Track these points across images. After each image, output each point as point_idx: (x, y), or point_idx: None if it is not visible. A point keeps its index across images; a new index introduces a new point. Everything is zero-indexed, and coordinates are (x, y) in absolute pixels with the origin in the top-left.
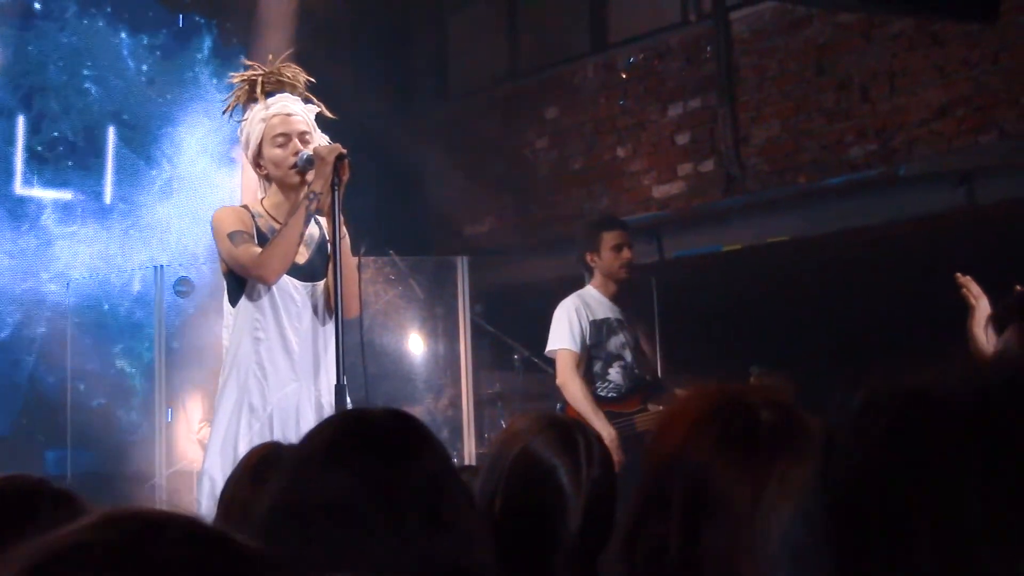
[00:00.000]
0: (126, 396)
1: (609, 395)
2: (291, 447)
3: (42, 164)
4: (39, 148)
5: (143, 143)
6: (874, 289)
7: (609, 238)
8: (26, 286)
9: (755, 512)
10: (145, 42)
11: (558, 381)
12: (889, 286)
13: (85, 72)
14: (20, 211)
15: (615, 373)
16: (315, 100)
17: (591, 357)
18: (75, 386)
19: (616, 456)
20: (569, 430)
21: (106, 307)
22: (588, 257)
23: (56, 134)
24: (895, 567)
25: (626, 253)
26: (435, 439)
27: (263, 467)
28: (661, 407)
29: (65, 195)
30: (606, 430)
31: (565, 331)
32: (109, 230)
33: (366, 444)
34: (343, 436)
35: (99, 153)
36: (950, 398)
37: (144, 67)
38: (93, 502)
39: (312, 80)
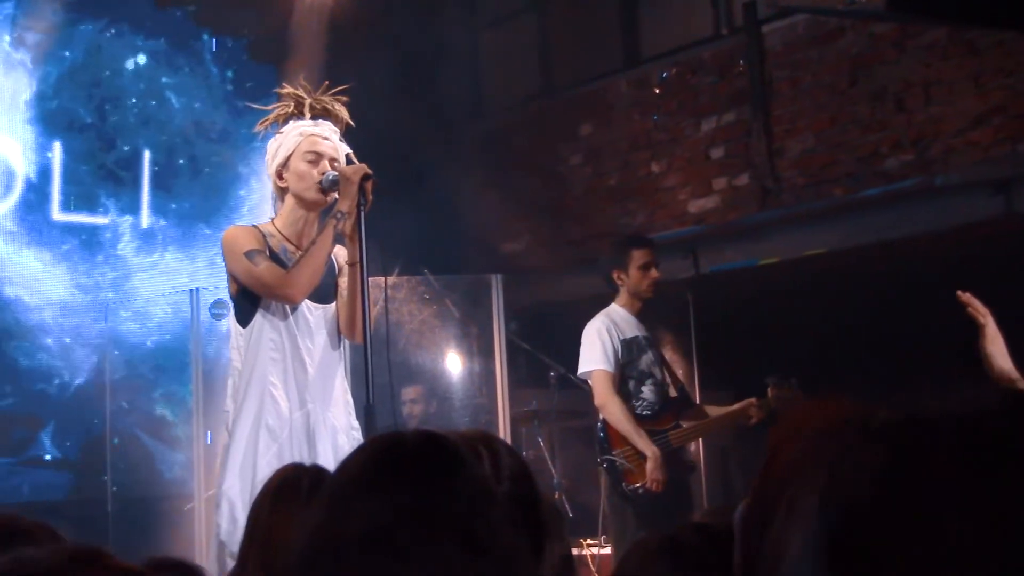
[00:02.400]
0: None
1: (643, 413)
2: (314, 470)
3: (118, 185)
4: (113, 167)
5: (230, 160)
6: (912, 300)
7: (638, 256)
8: (102, 326)
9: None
10: (230, 44)
11: (597, 402)
12: (927, 297)
13: (164, 79)
14: (95, 239)
15: (647, 391)
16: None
17: (624, 376)
18: (117, 413)
19: (657, 475)
20: (473, 446)
21: (168, 338)
22: (616, 274)
23: (132, 150)
24: None
25: (653, 272)
26: (470, 461)
27: (284, 490)
28: (693, 422)
29: (144, 219)
30: (649, 449)
31: (598, 351)
32: (194, 260)
33: (398, 470)
34: (375, 463)
35: (180, 172)
36: (948, 428)
37: (229, 73)
38: (132, 526)
39: (352, 124)
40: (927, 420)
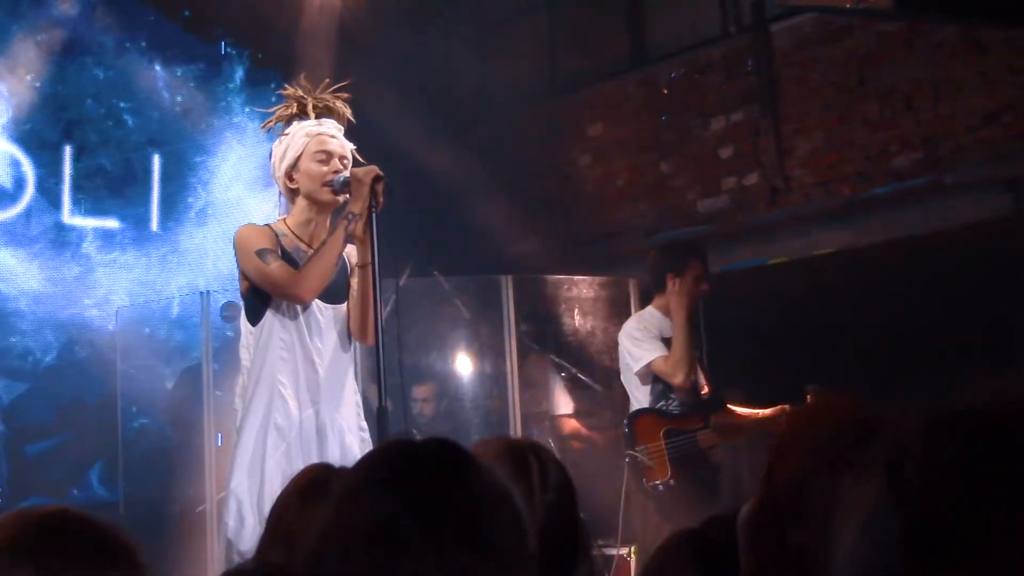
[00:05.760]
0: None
1: (674, 411)
2: (342, 471)
3: (82, 194)
4: (80, 178)
5: (179, 171)
6: (922, 298)
7: (695, 266)
8: (70, 311)
9: None
10: (179, 74)
11: (676, 382)
12: (937, 295)
13: (122, 104)
14: (62, 240)
15: (680, 392)
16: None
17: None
18: (125, 413)
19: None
20: (524, 455)
21: (147, 331)
22: (669, 278)
23: (95, 165)
24: None
25: (704, 286)
26: (479, 463)
27: (312, 489)
28: (722, 422)
29: (106, 223)
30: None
31: (655, 342)
32: (148, 256)
33: (406, 469)
34: (385, 462)
35: (137, 182)
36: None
37: (179, 98)
38: (143, 528)
39: (353, 120)
40: (999, 411)
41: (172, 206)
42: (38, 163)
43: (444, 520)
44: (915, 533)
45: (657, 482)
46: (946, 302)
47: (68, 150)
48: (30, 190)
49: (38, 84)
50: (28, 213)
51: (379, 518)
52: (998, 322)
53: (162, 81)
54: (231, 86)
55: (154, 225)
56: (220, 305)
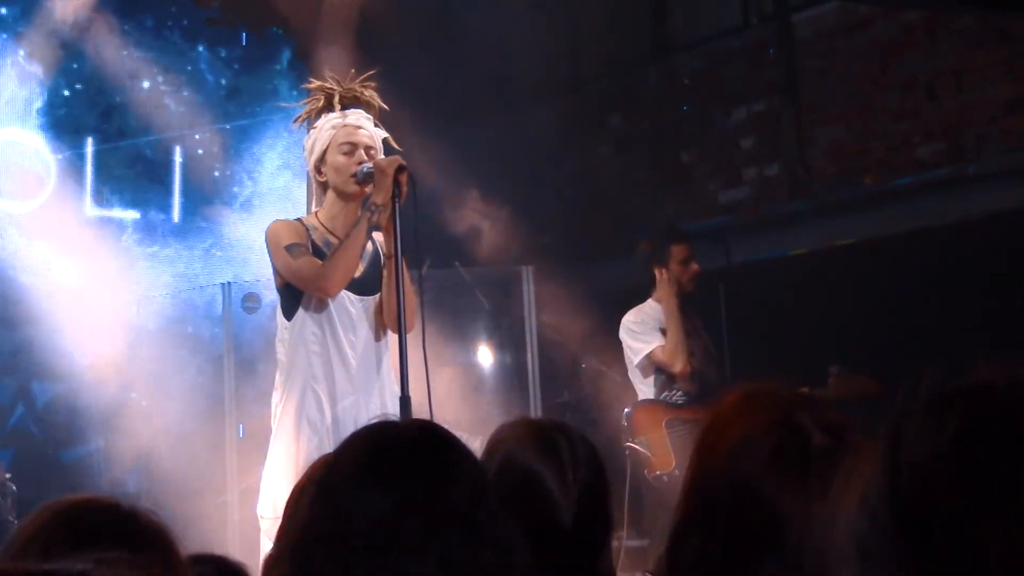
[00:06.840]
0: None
1: (678, 401)
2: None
3: (120, 183)
4: (117, 166)
5: (223, 158)
6: (944, 290)
7: (677, 251)
8: (108, 308)
9: (804, 537)
10: (223, 55)
11: (675, 370)
12: (960, 285)
13: (163, 87)
14: (99, 232)
15: (682, 380)
16: (383, 127)
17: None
18: (149, 404)
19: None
20: (551, 434)
21: (190, 329)
22: (657, 270)
23: (134, 151)
24: (963, 567)
25: (694, 266)
26: (466, 450)
27: None
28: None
29: (143, 214)
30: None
31: (653, 333)
32: (191, 249)
33: (398, 462)
34: (373, 454)
35: (178, 170)
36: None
37: (223, 80)
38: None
39: (386, 107)
40: (998, 389)
41: (217, 195)
42: (72, 149)
43: (439, 515)
44: (909, 508)
45: (660, 473)
46: (968, 293)
47: (105, 136)
48: (60, 179)
49: (75, 66)
50: (63, 203)
51: (374, 517)
52: (1021, 313)
53: (205, 63)
54: (277, 68)
55: (175, 215)
56: (242, 296)
